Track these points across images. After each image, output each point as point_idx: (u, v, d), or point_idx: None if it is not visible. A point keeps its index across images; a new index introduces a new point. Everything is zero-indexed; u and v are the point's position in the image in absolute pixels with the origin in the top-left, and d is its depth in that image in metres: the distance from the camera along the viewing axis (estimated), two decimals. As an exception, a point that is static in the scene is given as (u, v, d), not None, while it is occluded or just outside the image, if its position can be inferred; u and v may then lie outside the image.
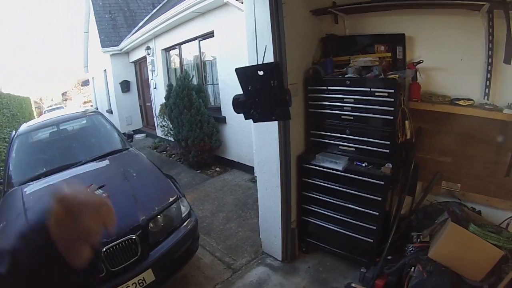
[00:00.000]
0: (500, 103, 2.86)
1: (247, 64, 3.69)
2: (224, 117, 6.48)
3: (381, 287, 2.81)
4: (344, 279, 3.12)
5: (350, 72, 3.10)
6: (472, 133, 2.98)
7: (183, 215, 3.05)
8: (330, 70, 3.27)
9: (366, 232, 3.01)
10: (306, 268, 3.33)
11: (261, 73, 2.18)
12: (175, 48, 7.97)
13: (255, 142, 3.38)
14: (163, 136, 7.99)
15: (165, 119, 7.26)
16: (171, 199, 3.03)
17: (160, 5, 11.27)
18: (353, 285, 2.91)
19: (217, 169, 6.56)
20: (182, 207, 3.08)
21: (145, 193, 3.08)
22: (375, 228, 2.95)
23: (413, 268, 2.63)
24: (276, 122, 3.01)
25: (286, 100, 2.16)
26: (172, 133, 6.92)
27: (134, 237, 2.60)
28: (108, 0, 12.14)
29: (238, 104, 2.28)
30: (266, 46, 2.67)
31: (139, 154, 4.08)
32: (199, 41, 6.89)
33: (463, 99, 2.93)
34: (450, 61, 3.01)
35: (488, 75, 2.90)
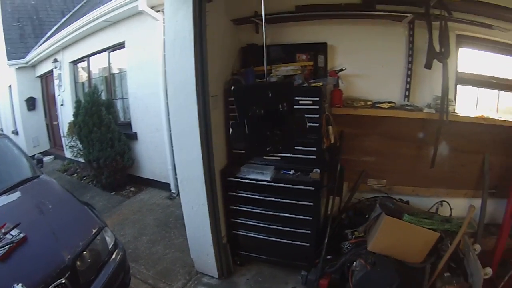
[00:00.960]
0: (420, 104, 3.21)
1: (163, 76, 3.48)
2: (135, 133, 6.16)
3: (326, 286, 2.86)
4: (286, 285, 3.12)
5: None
6: (394, 132, 3.26)
7: (109, 247, 2.74)
8: (251, 80, 3.26)
9: (301, 237, 3.03)
10: (245, 281, 3.26)
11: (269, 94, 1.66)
12: (83, 61, 7.37)
13: (176, 160, 3.19)
14: (73, 158, 7.26)
15: (74, 138, 6.60)
16: (94, 231, 2.70)
17: (70, 13, 10.36)
18: None
19: (132, 189, 6.15)
20: (107, 237, 2.77)
21: (65, 228, 2.70)
22: (310, 232, 3.00)
23: (354, 263, 2.74)
24: (197, 137, 2.87)
25: (305, 129, 1.76)
26: (82, 153, 6.32)
27: (63, 281, 2.24)
28: (18, 7, 10.71)
29: (243, 137, 1.68)
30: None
31: (51, 181, 3.60)
32: (109, 52, 6.47)
33: (384, 102, 3.18)
34: (371, 68, 3.25)
35: (408, 79, 3.22)
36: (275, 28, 3.46)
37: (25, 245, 2.41)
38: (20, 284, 2.09)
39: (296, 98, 2.82)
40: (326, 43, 3.33)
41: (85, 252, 2.53)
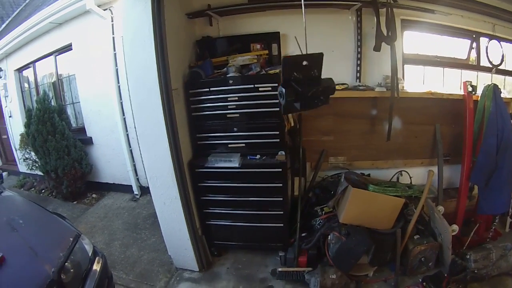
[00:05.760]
0: (371, 84, 3.45)
1: (114, 76, 3.49)
2: (91, 138, 5.94)
3: (305, 263, 3.02)
4: (266, 267, 3.23)
5: (231, 71, 3.17)
6: (350, 111, 3.47)
7: (89, 255, 2.65)
8: (210, 71, 3.30)
9: (274, 219, 3.15)
10: (225, 270, 3.32)
11: (305, 63, 2.13)
12: (29, 67, 6.95)
13: (144, 157, 3.16)
14: (28, 171, 6.87)
15: (28, 150, 6.27)
16: (71, 240, 2.59)
17: (10, 18, 9.70)
18: (279, 269, 3.04)
19: (94, 195, 5.95)
20: (85, 245, 2.67)
21: (43, 241, 2.56)
22: (282, 212, 3.13)
23: (329, 236, 2.91)
24: (164, 132, 2.87)
25: (334, 88, 2.14)
26: (38, 165, 6.01)
27: None
28: None
29: (295, 96, 2.08)
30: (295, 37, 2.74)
31: (15, 196, 3.39)
32: (55, 56, 6.15)
33: (338, 84, 3.34)
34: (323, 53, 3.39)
35: (358, 61, 3.47)
36: (228, 20, 3.53)
37: (5, 266, 2.27)
38: None
39: (256, 85, 2.99)
40: (278, 32, 3.45)
41: (67, 263, 2.42)
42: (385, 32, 3.19)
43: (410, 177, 3.39)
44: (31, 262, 2.36)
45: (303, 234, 3.13)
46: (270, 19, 3.45)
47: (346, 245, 2.79)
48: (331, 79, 2.23)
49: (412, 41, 3.91)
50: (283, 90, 1.99)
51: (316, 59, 2.25)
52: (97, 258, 2.71)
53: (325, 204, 3.18)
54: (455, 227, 2.96)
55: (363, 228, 2.85)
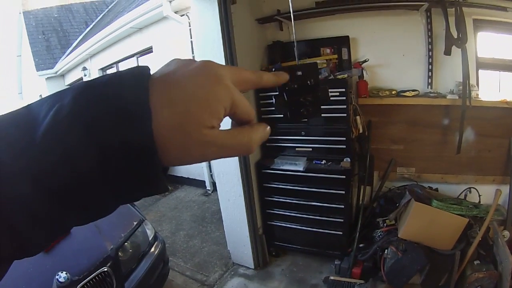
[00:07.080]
0: (443, 90, 3.22)
1: None
2: None
3: (358, 275, 2.95)
4: (320, 274, 3.20)
5: (300, 76, 3.20)
6: (420, 120, 3.29)
7: (149, 239, 2.89)
8: (279, 75, 3.35)
9: (334, 226, 3.13)
10: (280, 271, 3.36)
11: (299, 73, 2.26)
12: (112, 67, 7.62)
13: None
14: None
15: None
16: (135, 223, 2.85)
17: (93, 23, 10.74)
18: (331, 278, 3.00)
19: (168, 187, 6.34)
20: (147, 230, 2.92)
21: (107, 221, 2.80)
22: (342, 220, 3.09)
23: (386, 250, 2.80)
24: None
25: (328, 97, 2.22)
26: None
27: (106, 270, 2.38)
28: (41, 20, 11.25)
29: (283, 104, 2.20)
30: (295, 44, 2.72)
31: None
32: (137, 57, 6.67)
33: (408, 90, 3.23)
34: (393, 57, 3.31)
35: (430, 66, 3.25)
36: (298, 24, 3.54)
37: (69, 238, 2.54)
38: (64, 272, 2.18)
39: (324, 90, 3.00)
40: (348, 36, 3.40)
41: (126, 243, 2.65)
42: (455, 34, 2.95)
43: (479, 195, 3.07)
44: (93, 238, 2.61)
45: (361, 245, 3.07)
46: (339, 23, 3.41)
47: (401, 262, 2.67)
48: (325, 87, 2.15)
49: (488, 43, 3.56)
50: (274, 100, 2.01)
51: (310, 69, 2.23)
52: (156, 243, 2.94)
53: (388, 216, 3.08)
54: (517, 257, 2.63)
55: (421, 246, 2.69)
